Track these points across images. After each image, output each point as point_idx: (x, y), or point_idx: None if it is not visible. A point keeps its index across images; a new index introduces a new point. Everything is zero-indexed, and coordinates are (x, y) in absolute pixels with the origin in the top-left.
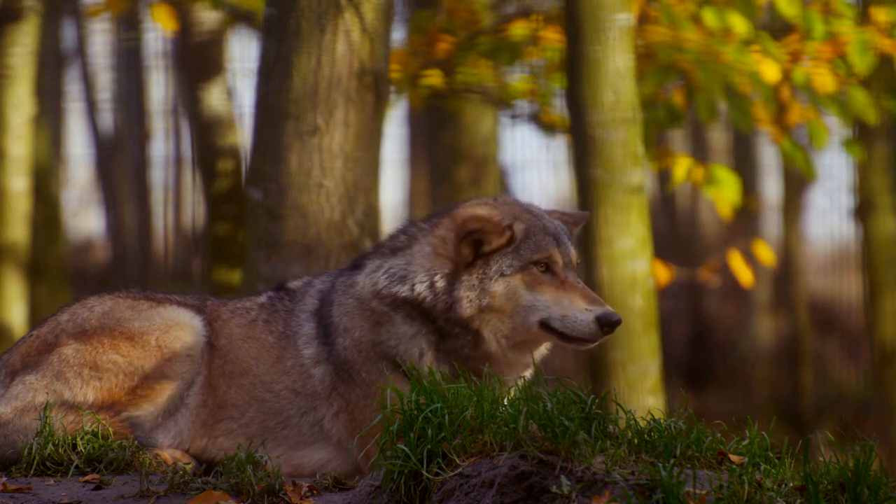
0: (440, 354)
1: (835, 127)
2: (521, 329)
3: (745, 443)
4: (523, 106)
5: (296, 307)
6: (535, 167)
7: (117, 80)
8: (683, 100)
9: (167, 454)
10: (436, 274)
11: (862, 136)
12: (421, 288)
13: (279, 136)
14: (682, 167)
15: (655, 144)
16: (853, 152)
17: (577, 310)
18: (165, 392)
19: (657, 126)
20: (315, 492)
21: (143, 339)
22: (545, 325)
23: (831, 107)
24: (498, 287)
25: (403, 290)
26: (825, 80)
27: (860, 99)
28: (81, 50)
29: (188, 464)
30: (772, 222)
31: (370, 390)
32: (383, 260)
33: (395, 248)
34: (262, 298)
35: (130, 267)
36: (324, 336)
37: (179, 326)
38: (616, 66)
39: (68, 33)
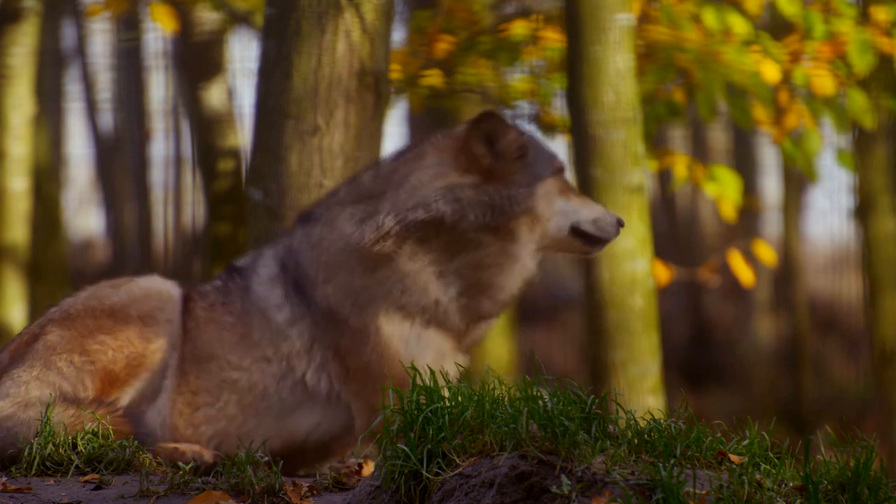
0: (444, 279)
1: (833, 130)
2: (553, 234)
3: (745, 443)
4: (523, 106)
5: (251, 282)
6: None
7: (117, 80)
8: (683, 97)
9: (185, 447)
10: (456, 188)
11: (861, 136)
12: (443, 206)
13: (279, 136)
14: (682, 166)
15: (655, 144)
16: (846, 163)
17: (602, 212)
18: (157, 356)
19: (657, 120)
20: (315, 492)
21: (124, 312)
22: (575, 230)
23: (828, 113)
24: (539, 190)
25: (419, 216)
26: (825, 82)
27: (859, 102)
28: (81, 50)
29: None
30: (772, 222)
31: (362, 336)
32: (360, 206)
33: (368, 193)
34: (217, 282)
35: (130, 267)
36: (295, 295)
37: (157, 294)
38: (616, 66)
39: (68, 33)
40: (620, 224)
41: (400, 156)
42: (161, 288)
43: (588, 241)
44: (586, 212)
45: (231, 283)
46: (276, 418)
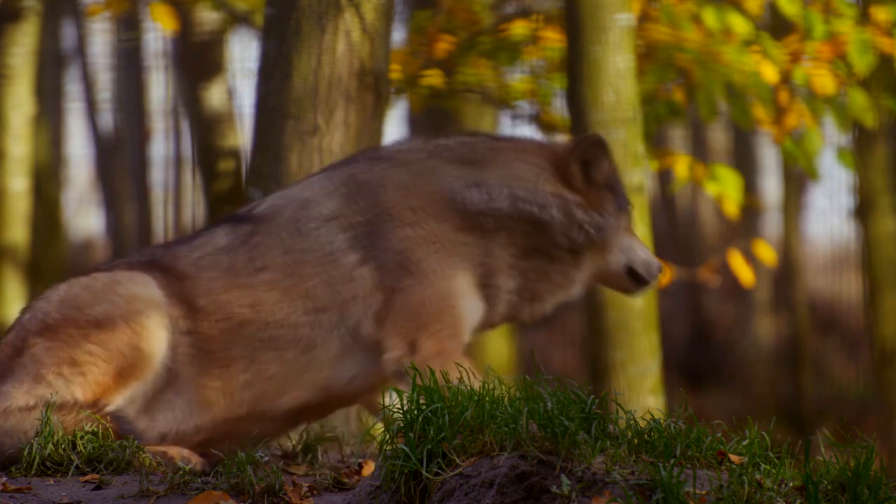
0: (511, 272)
1: (833, 129)
2: (611, 268)
3: (745, 443)
4: (523, 106)
5: (300, 225)
6: None
7: (117, 80)
8: (683, 97)
9: (174, 451)
10: (567, 202)
11: (862, 136)
12: (556, 214)
13: (279, 136)
14: (682, 165)
15: (655, 144)
16: (846, 162)
17: (651, 256)
18: (150, 365)
19: (657, 120)
20: (315, 492)
21: (111, 322)
22: (630, 269)
23: (828, 112)
24: (613, 223)
25: (533, 211)
26: (825, 82)
27: (859, 101)
28: (81, 50)
29: (196, 462)
30: (772, 222)
31: (431, 278)
32: (460, 168)
33: (466, 159)
34: (222, 240)
35: None
36: (365, 235)
37: (141, 300)
38: (617, 66)
39: (68, 33)
40: (660, 269)
41: (495, 139)
42: (142, 293)
43: (637, 282)
44: (641, 253)
45: (254, 238)
46: (318, 371)
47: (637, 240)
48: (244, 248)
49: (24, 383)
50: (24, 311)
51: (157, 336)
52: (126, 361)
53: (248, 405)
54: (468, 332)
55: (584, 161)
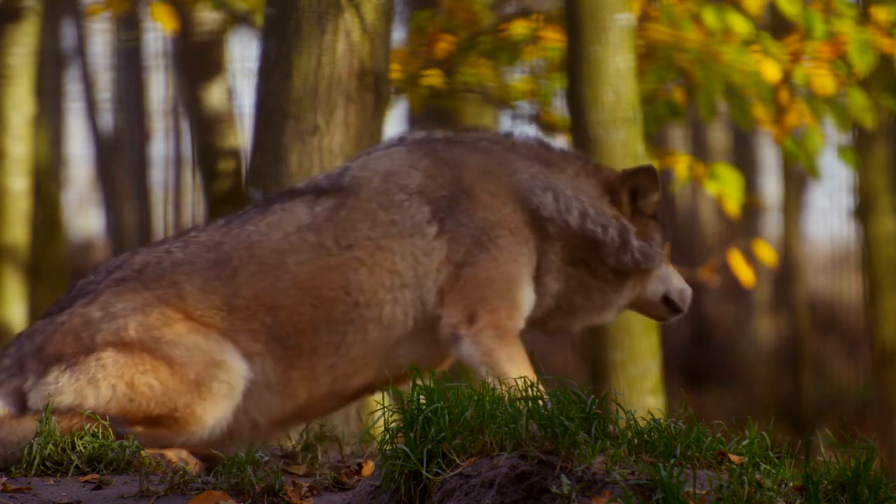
0: (557, 277)
1: (833, 129)
2: (648, 297)
3: (745, 443)
4: (523, 106)
5: (389, 197)
6: None
7: (117, 80)
8: (683, 97)
9: (171, 454)
10: (624, 228)
11: (861, 136)
12: (615, 237)
13: (279, 136)
14: (682, 165)
15: (655, 144)
16: (847, 160)
17: (685, 284)
18: (197, 427)
19: (657, 120)
20: (315, 491)
21: (183, 371)
22: (666, 298)
23: (828, 112)
24: (660, 254)
25: (595, 233)
26: (825, 82)
27: (859, 102)
28: (81, 50)
29: (193, 465)
30: (772, 222)
31: (501, 257)
32: (535, 167)
33: (539, 159)
34: (305, 217)
35: None
36: (447, 208)
37: (220, 366)
38: (617, 66)
39: (68, 33)
40: (691, 296)
41: (552, 149)
42: (225, 359)
43: (672, 311)
44: (676, 282)
45: (341, 211)
46: (393, 349)
47: (672, 268)
48: (331, 224)
49: (78, 381)
50: (78, 293)
51: (219, 408)
52: (175, 415)
53: (328, 387)
54: (523, 318)
55: (634, 189)
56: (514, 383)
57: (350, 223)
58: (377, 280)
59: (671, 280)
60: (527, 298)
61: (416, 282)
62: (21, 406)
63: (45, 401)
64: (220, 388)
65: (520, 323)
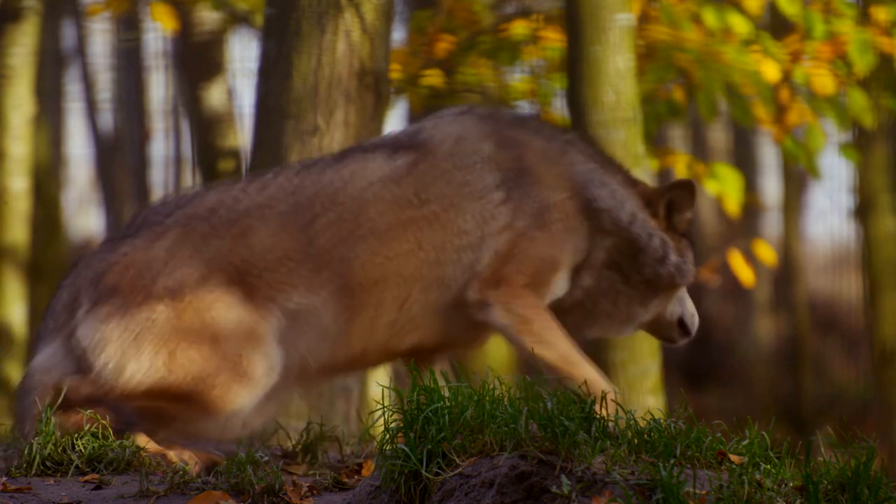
0: (593, 272)
1: (834, 128)
2: (666, 316)
3: (745, 443)
4: (523, 106)
5: (463, 159)
6: None
7: (117, 80)
8: (684, 97)
9: (172, 454)
10: (665, 240)
11: (861, 135)
12: (656, 244)
13: (279, 136)
14: (682, 164)
15: (655, 144)
16: (849, 156)
17: (695, 311)
18: (221, 413)
19: (657, 120)
20: (315, 491)
21: (225, 348)
22: (680, 320)
23: (829, 112)
24: (691, 272)
25: (640, 238)
26: (825, 81)
27: (859, 101)
28: (81, 50)
29: (191, 465)
30: (772, 222)
31: (551, 241)
32: (591, 162)
33: (592, 156)
34: (384, 168)
35: None
36: (515, 179)
37: (262, 345)
38: (617, 66)
39: (68, 33)
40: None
41: (604, 153)
42: (267, 346)
43: (683, 334)
44: (689, 306)
45: (419, 166)
46: (446, 312)
47: (686, 293)
48: (411, 178)
49: (126, 331)
50: (144, 225)
51: (255, 390)
52: (208, 395)
53: (383, 342)
54: (547, 299)
55: (670, 204)
56: (564, 350)
57: (429, 179)
58: (447, 238)
59: (686, 303)
60: (560, 284)
61: (478, 244)
62: (72, 347)
63: (89, 342)
64: (259, 369)
65: (545, 302)
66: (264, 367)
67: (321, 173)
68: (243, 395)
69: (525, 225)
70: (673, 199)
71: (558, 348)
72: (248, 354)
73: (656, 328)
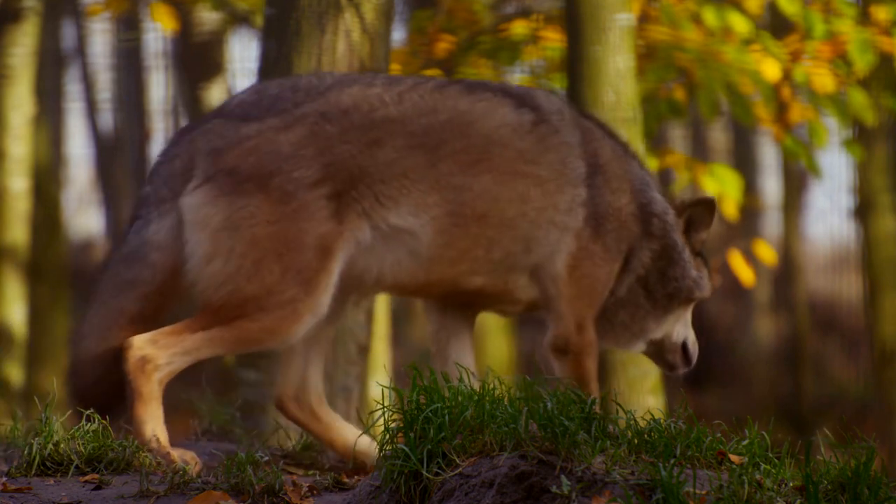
0: (625, 277)
1: (835, 126)
2: (672, 338)
3: (745, 443)
4: None
5: (567, 137)
6: None
7: (117, 80)
8: (684, 96)
9: (175, 455)
10: (689, 261)
11: (862, 135)
12: (686, 257)
13: None
14: (682, 166)
15: (655, 144)
16: (853, 152)
17: (696, 339)
18: (285, 332)
19: (658, 119)
20: (315, 492)
21: (302, 263)
22: (684, 345)
23: (830, 107)
24: (708, 288)
25: (676, 240)
26: (825, 80)
27: (859, 99)
28: (81, 50)
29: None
30: (772, 222)
31: (606, 252)
32: (643, 173)
33: (638, 170)
34: (511, 117)
35: None
36: (589, 177)
37: (331, 270)
38: (617, 66)
39: (68, 33)
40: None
41: (640, 158)
42: (337, 248)
43: (685, 361)
44: (692, 334)
45: (539, 128)
46: (516, 271)
47: (690, 321)
48: (531, 135)
49: (232, 212)
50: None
51: (320, 307)
52: (276, 313)
53: (459, 275)
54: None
55: (690, 220)
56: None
57: (544, 144)
58: (546, 206)
59: (689, 330)
60: (607, 285)
61: (562, 229)
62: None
63: (192, 217)
64: (324, 293)
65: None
66: (327, 288)
67: (455, 101)
68: (305, 320)
69: (588, 235)
70: (693, 215)
71: (590, 389)
72: (319, 273)
73: (661, 351)
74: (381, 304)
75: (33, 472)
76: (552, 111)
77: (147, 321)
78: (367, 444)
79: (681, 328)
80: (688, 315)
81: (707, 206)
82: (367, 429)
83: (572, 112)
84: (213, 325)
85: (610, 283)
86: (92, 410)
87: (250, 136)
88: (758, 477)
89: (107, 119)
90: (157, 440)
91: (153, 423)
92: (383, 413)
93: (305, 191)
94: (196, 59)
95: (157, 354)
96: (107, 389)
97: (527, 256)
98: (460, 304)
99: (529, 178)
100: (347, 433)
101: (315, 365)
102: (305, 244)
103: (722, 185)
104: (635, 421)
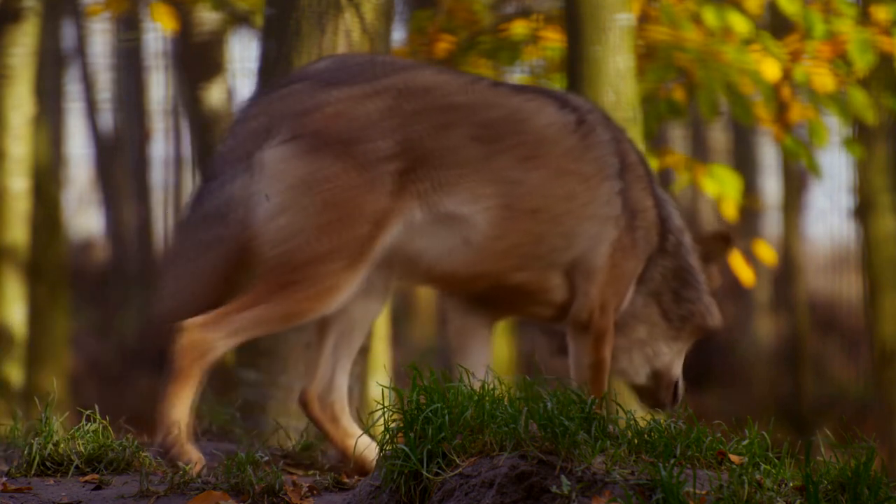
0: (641, 289)
1: (835, 126)
2: (672, 371)
3: (745, 443)
4: None
5: (603, 134)
6: None
7: (117, 80)
8: (684, 96)
9: (188, 452)
10: (704, 287)
11: (862, 135)
12: (701, 280)
13: None
14: (681, 165)
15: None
16: (853, 151)
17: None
18: (325, 301)
19: (658, 119)
20: (315, 492)
21: (359, 233)
22: (676, 384)
23: (831, 106)
24: (719, 322)
25: (691, 263)
26: (825, 80)
27: (860, 99)
28: (81, 50)
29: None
30: (772, 222)
31: (636, 248)
32: (664, 199)
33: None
34: (555, 117)
35: (130, 267)
36: (622, 173)
37: (382, 244)
38: (617, 66)
39: (68, 33)
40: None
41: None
42: (391, 224)
43: (673, 400)
44: (682, 378)
45: (581, 128)
46: (553, 268)
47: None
48: (575, 135)
49: (303, 183)
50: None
51: (358, 278)
52: (325, 283)
53: (505, 269)
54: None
55: (706, 254)
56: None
57: (586, 140)
58: (590, 201)
59: (681, 372)
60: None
61: (603, 222)
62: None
63: (269, 170)
64: (370, 263)
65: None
66: (368, 265)
67: (509, 98)
68: (344, 295)
69: (623, 225)
70: (709, 250)
71: (600, 382)
72: (368, 249)
73: (657, 384)
74: None
75: (33, 472)
76: (587, 111)
77: (230, 283)
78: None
79: (678, 365)
80: (682, 359)
81: (723, 242)
82: (367, 429)
83: (602, 112)
84: (261, 300)
85: (633, 279)
86: (91, 411)
87: (337, 100)
88: (758, 477)
89: (107, 119)
90: (178, 428)
91: (181, 408)
92: (383, 413)
93: (380, 163)
94: (196, 59)
95: (207, 338)
96: None
97: (567, 252)
98: (488, 305)
99: (575, 175)
100: (363, 445)
101: (343, 368)
102: (366, 217)
103: (722, 186)
104: (635, 421)
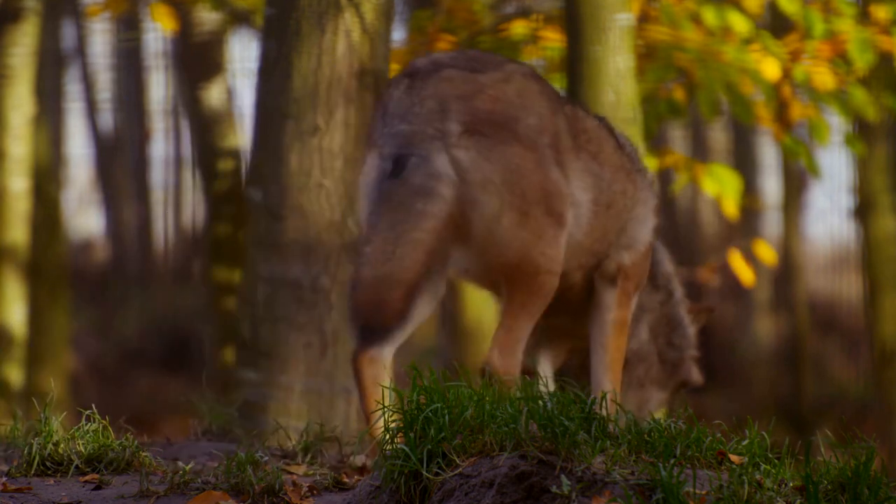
0: (643, 314)
1: (835, 125)
2: (660, 400)
3: (745, 443)
4: None
5: (623, 137)
6: None
7: (117, 80)
8: (684, 96)
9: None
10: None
11: (862, 135)
12: (690, 332)
13: (279, 136)
14: (681, 164)
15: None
16: (854, 147)
17: None
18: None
19: (658, 119)
20: (315, 492)
21: (552, 206)
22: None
23: (832, 103)
24: (696, 378)
25: (680, 313)
26: (825, 79)
27: (860, 97)
28: (81, 50)
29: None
30: (772, 222)
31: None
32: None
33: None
34: (593, 122)
35: (130, 267)
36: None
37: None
38: (616, 66)
39: (68, 33)
40: None
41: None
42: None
43: None
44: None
45: (602, 131)
46: (587, 261)
47: None
48: (612, 135)
49: (495, 173)
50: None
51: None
52: (534, 260)
53: (579, 264)
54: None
55: (692, 318)
56: (617, 369)
57: (620, 139)
58: (636, 198)
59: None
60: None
61: (643, 220)
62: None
63: (465, 166)
64: (565, 233)
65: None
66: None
67: (574, 108)
68: (560, 259)
69: (652, 227)
70: (693, 316)
71: (616, 365)
72: (565, 223)
73: None
74: None
75: (33, 472)
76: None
77: (436, 255)
78: None
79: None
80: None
81: (705, 315)
82: (367, 429)
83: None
84: (522, 300)
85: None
86: (91, 411)
87: (488, 85)
88: (758, 477)
89: (107, 119)
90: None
91: None
92: (383, 413)
93: (539, 136)
94: (196, 59)
95: (511, 363)
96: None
97: (610, 249)
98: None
99: (623, 171)
100: None
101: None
102: (560, 191)
103: (722, 185)
104: (635, 421)
